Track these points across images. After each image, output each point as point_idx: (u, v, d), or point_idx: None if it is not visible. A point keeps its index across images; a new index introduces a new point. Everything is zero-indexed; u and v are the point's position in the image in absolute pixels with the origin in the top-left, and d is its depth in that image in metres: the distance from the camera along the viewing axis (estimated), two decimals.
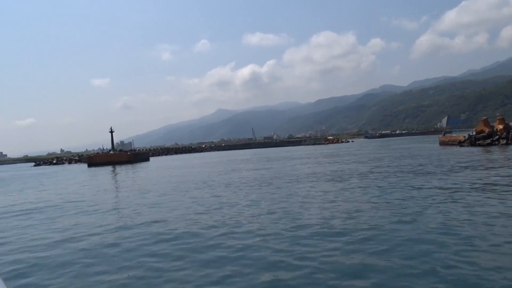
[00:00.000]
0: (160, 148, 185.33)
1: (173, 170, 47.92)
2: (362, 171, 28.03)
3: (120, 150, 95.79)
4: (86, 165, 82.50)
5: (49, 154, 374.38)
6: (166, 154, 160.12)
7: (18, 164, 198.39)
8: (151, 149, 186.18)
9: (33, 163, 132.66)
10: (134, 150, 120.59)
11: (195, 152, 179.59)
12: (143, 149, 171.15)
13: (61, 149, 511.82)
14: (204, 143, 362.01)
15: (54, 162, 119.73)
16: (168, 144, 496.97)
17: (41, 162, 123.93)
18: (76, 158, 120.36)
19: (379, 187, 18.82)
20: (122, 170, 55.68)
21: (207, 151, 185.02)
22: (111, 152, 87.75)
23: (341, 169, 30.83)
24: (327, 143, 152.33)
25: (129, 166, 65.46)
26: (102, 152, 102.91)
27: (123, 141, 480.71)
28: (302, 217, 12.91)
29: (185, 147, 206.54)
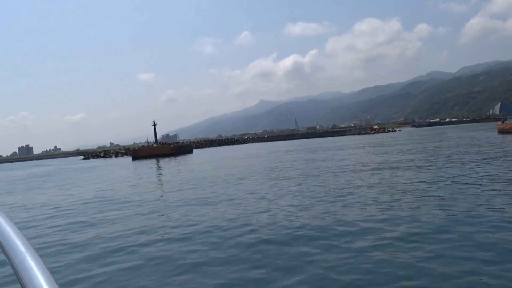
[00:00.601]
0: (204, 140, 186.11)
1: (216, 162, 46.20)
2: (425, 160, 25.12)
3: (164, 143, 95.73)
4: (131, 158, 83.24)
5: (99, 147, 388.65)
6: (209, 146, 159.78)
7: (70, 157, 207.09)
8: (195, 141, 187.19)
9: (82, 157, 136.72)
10: (177, 142, 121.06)
11: (238, 143, 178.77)
12: (187, 142, 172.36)
13: (111, 142, 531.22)
14: (246, 134, 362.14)
15: (102, 155, 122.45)
16: (212, 136, 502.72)
17: (90, 156, 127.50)
18: (123, 151, 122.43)
19: (453, 181, 15.80)
20: (165, 163, 55.19)
21: (250, 143, 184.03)
22: (155, 145, 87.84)
23: (404, 159, 27.99)
24: (373, 133, 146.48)
25: (172, 159, 65.27)
26: (147, 145, 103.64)
27: (168, 134, 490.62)
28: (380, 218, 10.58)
29: (228, 139, 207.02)
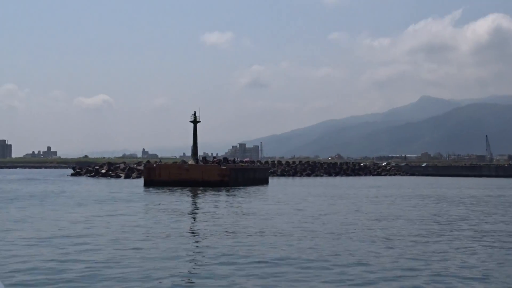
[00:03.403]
0: (302, 163, 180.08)
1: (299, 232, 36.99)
2: None
3: (204, 159, 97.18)
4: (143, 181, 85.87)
5: (123, 156, 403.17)
6: (309, 175, 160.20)
7: (61, 170, 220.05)
8: (288, 163, 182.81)
9: (72, 171, 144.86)
10: (241, 161, 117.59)
11: (367, 174, 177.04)
12: (266, 161, 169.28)
13: (143, 149, 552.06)
14: (389, 158, 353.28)
15: (103, 171, 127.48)
16: (325, 155, 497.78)
17: (83, 170, 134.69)
18: (140, 167, 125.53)
19: None
20: (202, 205, 52.43)
21: (391, 175, 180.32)
22: (190, 162, 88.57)
23: None
24: None
25: (220, 194, 65.85)
26: (183, 161, 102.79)
27: (243, 144, 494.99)
28: None
29: (348, 163, 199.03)
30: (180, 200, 56.63)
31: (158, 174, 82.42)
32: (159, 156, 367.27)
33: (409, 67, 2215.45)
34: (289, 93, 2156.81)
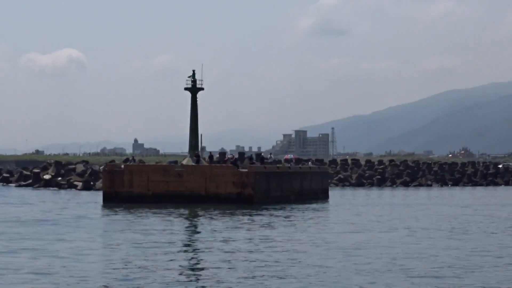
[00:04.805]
0: (393, 164, 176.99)
1: None
2: None
3: (211, 157, 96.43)
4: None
5: (101, 152, 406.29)
6: (407, 184, 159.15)
7: None
8: (373, 163, 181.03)
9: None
10: (285, 161, 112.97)
11: (509, 184, 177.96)
12: (332, 159, 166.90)
13: (136, 140, 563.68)
14: None
15: (47, 177, 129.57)
16: (445, 147, 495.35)
17: (15, 175, 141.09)
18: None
19: None
20: (188, 257, 45.51)
21: None
22: (185, 162, 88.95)
23: None
24: None
25: (233, 220, 64.30)
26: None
27: (302, 132, 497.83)
28: None
29: (475, 165, 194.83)
30: (149, 237, 48.31)
31: (128, 183, 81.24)
32: (161, 152, 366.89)
33: None
34: (383, 46, 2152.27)
